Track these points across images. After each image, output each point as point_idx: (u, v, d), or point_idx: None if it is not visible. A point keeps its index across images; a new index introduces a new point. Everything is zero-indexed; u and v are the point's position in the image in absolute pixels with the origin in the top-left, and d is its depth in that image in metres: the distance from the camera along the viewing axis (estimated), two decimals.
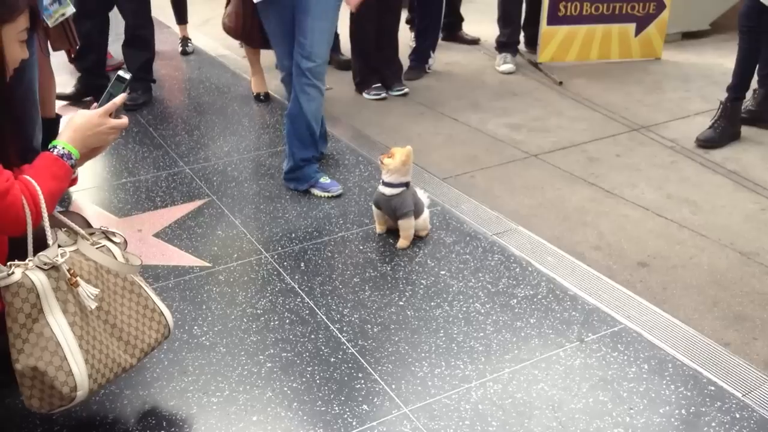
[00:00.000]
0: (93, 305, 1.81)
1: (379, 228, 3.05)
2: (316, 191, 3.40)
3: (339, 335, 2.42)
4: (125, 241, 2.00)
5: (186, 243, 3.01)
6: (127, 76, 1.89)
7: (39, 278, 1.73)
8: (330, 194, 3.38)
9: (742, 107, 4.11)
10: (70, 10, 3.40)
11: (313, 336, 2.42)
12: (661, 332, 2.40)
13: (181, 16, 5.74)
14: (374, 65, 4.86)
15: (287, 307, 2.57)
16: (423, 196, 3.05)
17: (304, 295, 2.63)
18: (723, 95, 4.02)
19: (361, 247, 2.95)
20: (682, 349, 2.32)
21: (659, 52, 5.56)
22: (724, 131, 4.03)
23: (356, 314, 2.53)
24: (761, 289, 2.74)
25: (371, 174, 3.59)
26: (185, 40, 5.78)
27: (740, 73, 3.97)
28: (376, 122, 4.37)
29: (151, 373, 2.25)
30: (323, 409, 2.10)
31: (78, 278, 1.78)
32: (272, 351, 2.35)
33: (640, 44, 5.52)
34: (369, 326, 2.46)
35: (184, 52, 5.74)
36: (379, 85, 4.85)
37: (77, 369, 1.76)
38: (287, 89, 3.48)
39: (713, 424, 2.03)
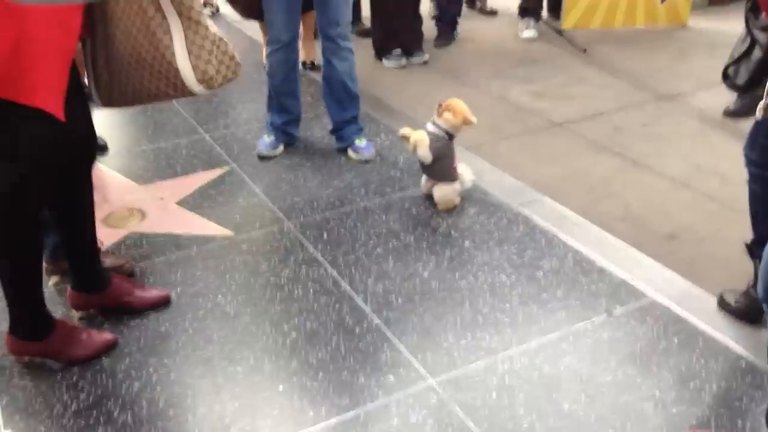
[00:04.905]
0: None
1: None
2: (350, 152, 3.43)
3: (363, 306, 2.40)
4: None
5: (208, 211, 2.99)
6: None
7: None
8: (359, 158, 3.39)
9: None
10: None
11: (337, 306, 2.40)
12: (691, 306, 2.36)
13: None
14: (394, 31, 4.78)
15: (311, 276, 2.55)
16: (468, 172, 3.03)
17: (327, 265, 2.61)
18: None
19: (384, 217, 2.92)
20: (712, 323, 2.28)
21: (686, 18, 5.43)
22: (752, 100, 3.93)
23: (380, 285, 2.50)
24: None
25: (392, 143, 3.54)
26: (205, 5, 5.71)
27: None
28: (396, 90, 4.31)
29: (176, 342, 2.25)
30: (349, 379, 2.08)
31: None
32: (296, 321, 2.33)
33: (666, 11, 5.39)
34: (393, 297, 2.44)
35: None
36: (399, 51, 4.77)
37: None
38: (273, 65, 3.33)
39: (744, 399, 2.00)
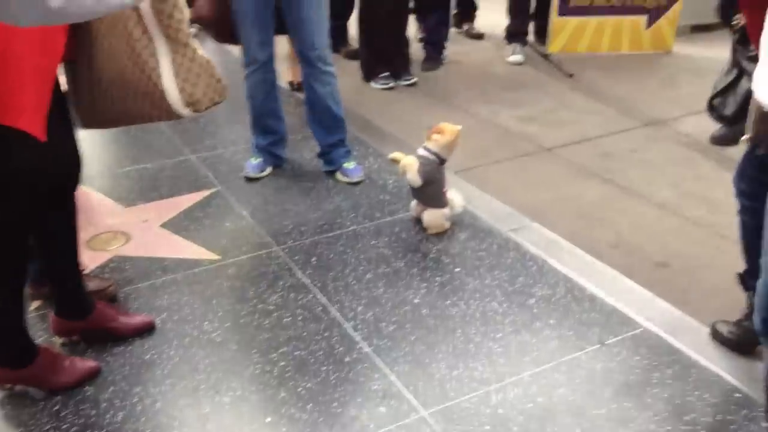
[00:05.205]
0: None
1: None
2: (338, 175, 3.39)
3: (353, 333, 2.36)
4: None
5: (194, 234, 2.93)
6: None
7: None
8: (349, 180, 3.36)
9: None
10: None
11: (326, 334, 2.35)
12: (683, 335, 2.34)
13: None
14: (383, 55, 4.77)
15: (299, 303, 2.51)
16: (458, 198, 3.00)
17: (316, 291, 2.57)
18: None
19: (373, 242, 2.89)
20: (705, 354, 2.26)
21: (670, 45, 5.49)
22: (739, 128, 3.96)
23: (370, 312, 2.46)
24: None
25: (381, 166, 3.51)
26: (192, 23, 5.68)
27: None
28: (384, 112, 4.29)
29: (162, 370, 2.19)
30: (340, 411, 2.04)
31: None
32: (285, 349, 2.28)
33: (650, 37, 5.45)
34: (384, 324, 2.40)
35: None
36: (387, 74, 4.76)
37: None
38: (252, 86, 3.31)
39: None
